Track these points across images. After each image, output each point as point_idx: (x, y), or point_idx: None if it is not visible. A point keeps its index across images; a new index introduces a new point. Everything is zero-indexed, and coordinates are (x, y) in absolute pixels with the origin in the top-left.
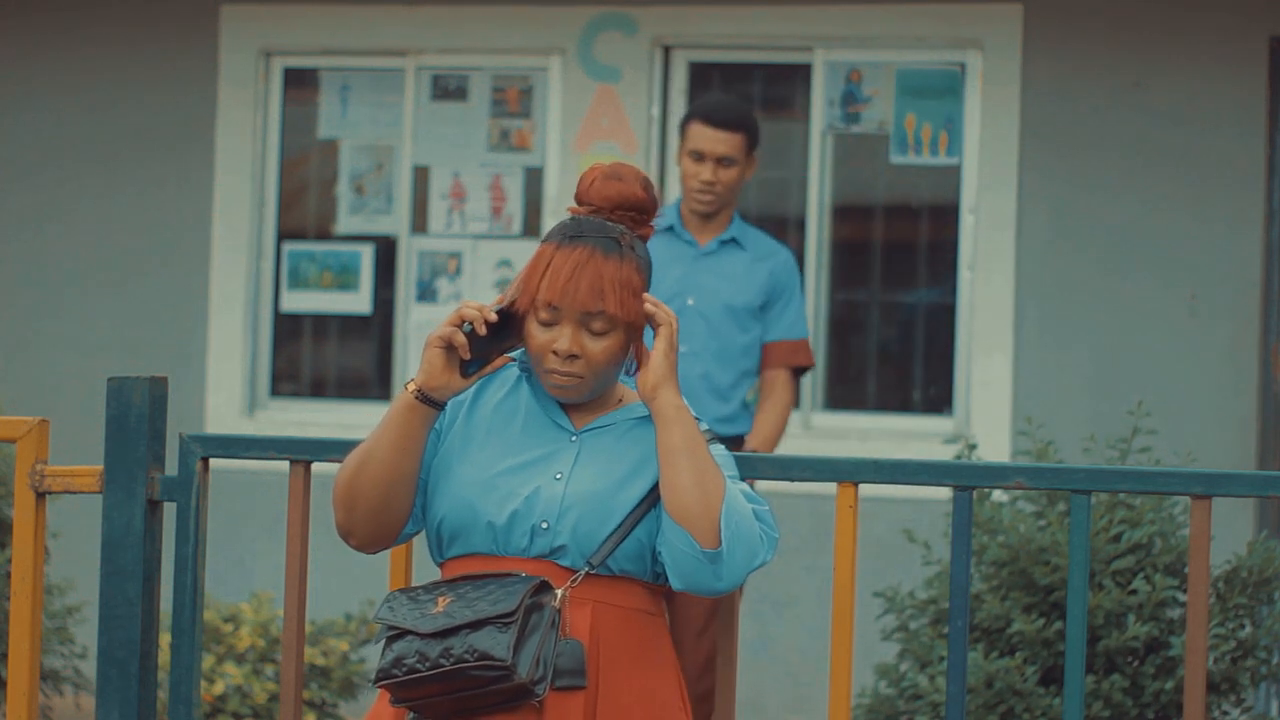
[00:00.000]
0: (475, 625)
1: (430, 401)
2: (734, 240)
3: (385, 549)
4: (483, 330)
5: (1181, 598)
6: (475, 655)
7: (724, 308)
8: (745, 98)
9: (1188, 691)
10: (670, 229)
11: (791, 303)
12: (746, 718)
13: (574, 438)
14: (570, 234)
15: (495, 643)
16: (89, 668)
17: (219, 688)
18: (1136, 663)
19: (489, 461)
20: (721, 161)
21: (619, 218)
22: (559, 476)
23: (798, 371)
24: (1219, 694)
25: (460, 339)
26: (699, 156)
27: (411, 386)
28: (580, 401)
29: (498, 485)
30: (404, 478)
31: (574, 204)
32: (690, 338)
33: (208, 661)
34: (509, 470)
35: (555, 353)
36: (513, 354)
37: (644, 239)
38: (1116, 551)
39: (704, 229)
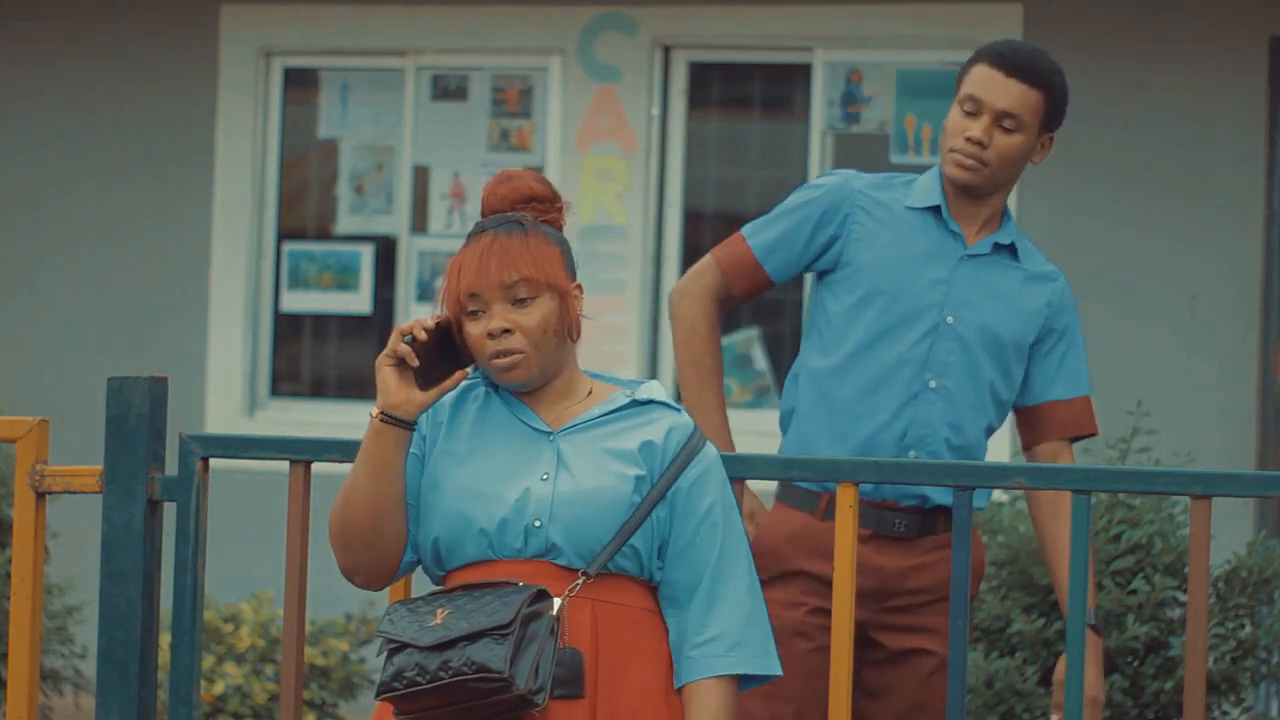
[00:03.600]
0: (472, 637)
1: (396, 421)
2: (1012, 248)
3: (390, 583)
4: (423, 336)
5: (1181, 598)
6: (473, 667)
7: (989, 336)
8: (745, 98)
9: (1188, 691)
10: (936, 210)
11: (1074, 345)
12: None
13: (551, 438)
14: (473, 233)
15: (492, 654)
16: (89, 668)
17: (219, 688)
18: (1136, 663)
19: (473, 473)
20: (1002, 120)
21: (523, 212)
22: (545, 477)
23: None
24: (1219, 694)
25: (405, 349)
26: (974, 106)
27: (375, 411)
28: (532, 384)
29: (485, 493)
30: (390, 503)
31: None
32: (944, 370)
33: (208, 661)
34: (494, 477)
35: (490, 335)
36: (470, 370)
37: (553, 225)
38: (1116, 551)
39: (973, 220)
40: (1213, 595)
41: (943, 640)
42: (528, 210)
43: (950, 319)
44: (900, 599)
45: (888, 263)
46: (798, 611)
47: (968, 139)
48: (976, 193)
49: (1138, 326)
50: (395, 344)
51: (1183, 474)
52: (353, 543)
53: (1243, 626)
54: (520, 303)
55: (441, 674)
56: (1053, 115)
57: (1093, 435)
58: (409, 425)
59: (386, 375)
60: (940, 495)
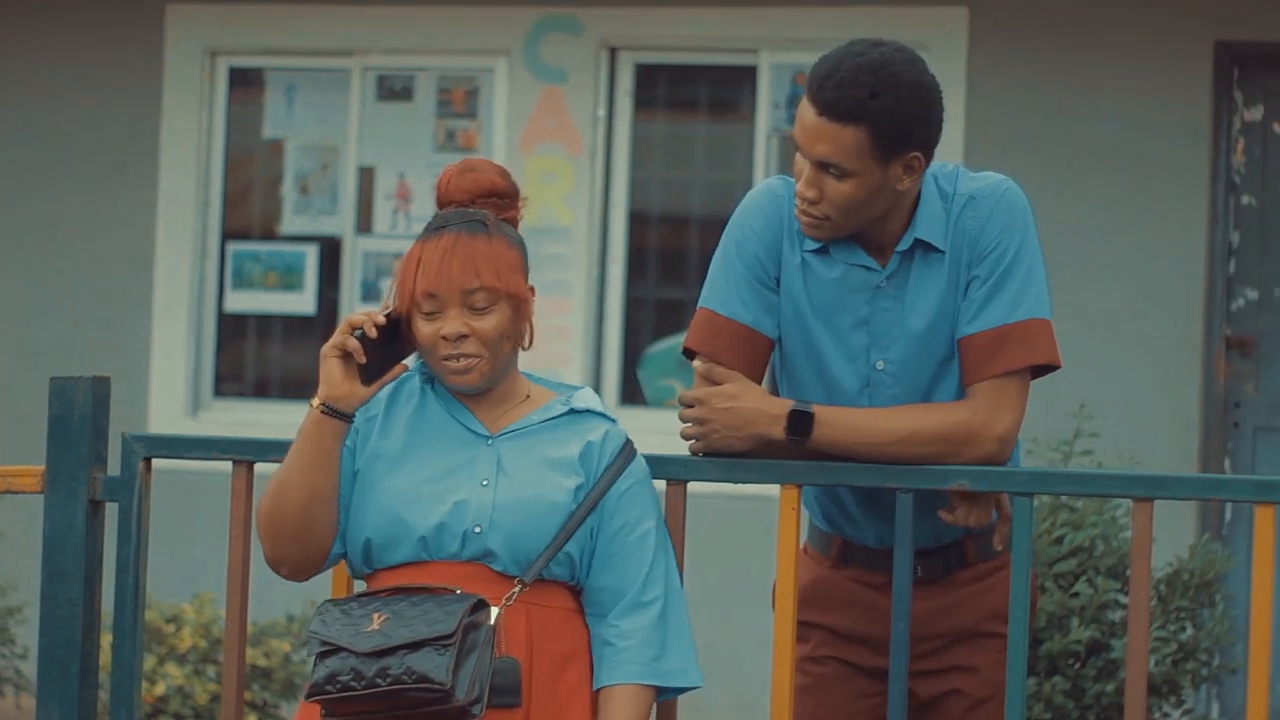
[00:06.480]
0: (413, 646)
1: (337, 414)
2: (923, 245)
3: (316, 574)
4: (373, 333)
5: (1123, 600)
6: (413, 677)
7: (917, 346)
8: (691, 100)
9: (1129, 694)
10: (822, 247)
11: (999, 267)
12: (687, 718)
13: (490, 442)
14: (434, 227)
15: (434, 665)
16: (30, 668)
17: (160, 688)
18: (1078, 665)
19: (410, 474)
20: (826, 169)
21: (482, 206)
22: (485, 483)
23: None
24: (1160, 696)
25: (354, 344)
26: (800, 150)
27: (316, 401)
28: (482, 388)
29: (423, 495)
30: (324, 495)
31: (438, 208)
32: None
33: (149, 662)
34: (432, 479)
35: (444, 338)
36: (409, 363)
37: (511, 222)
38: (1059, 554)
39: (876, 240)
40: (1154, 598)
41: (977, 678)
42: (488, 205)
43: (880, 364)
44: (929, 643)
45: (803, 318)
46: (825, 667)
47: (800, 198)
48: (831, 239)
49: (1082, 329)
50: (345, 338)
51: (1125, 476)
52: (283, 532)
53: (1184, 629)
54: (478, 309)
55: (379, 681)
56: (889, 144)
57: (1051, 365)
58: (348, 418)
59: (332, 367)
60: (951, 530)
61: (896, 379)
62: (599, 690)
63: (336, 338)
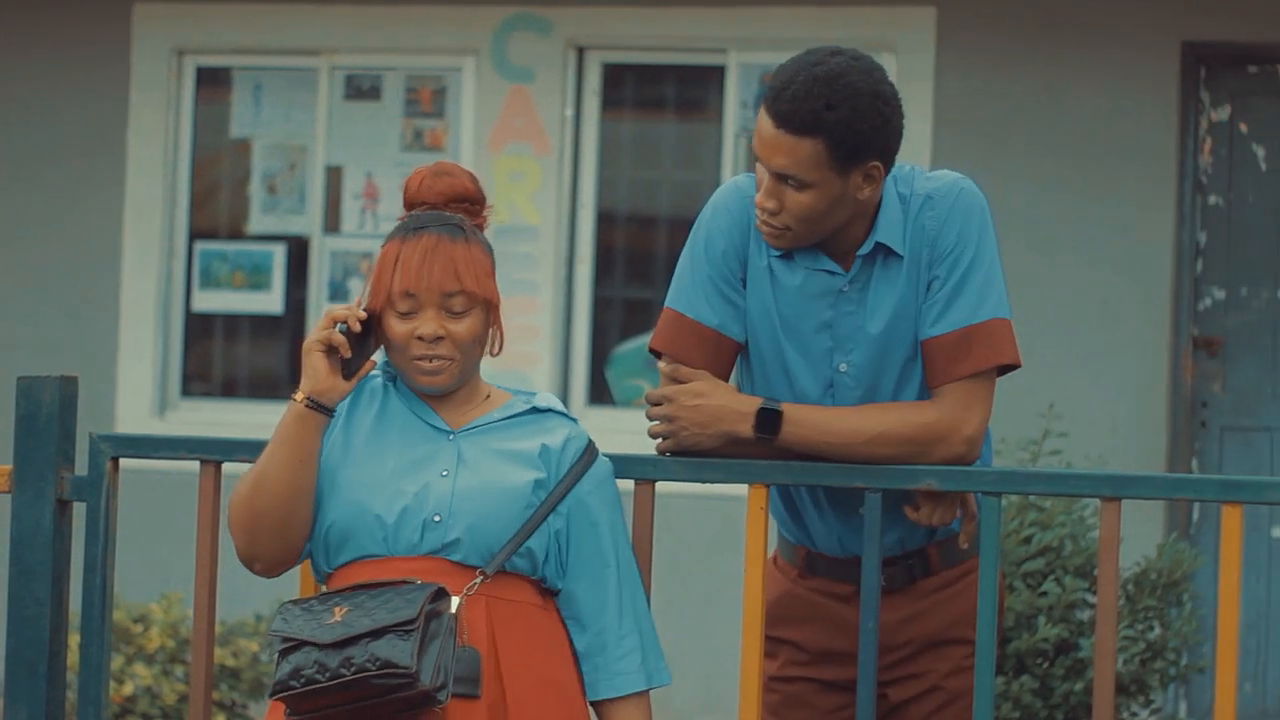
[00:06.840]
0: (376, 634)
1: (320, 408)
2: (883, 248)
3: (288, 569)
4: (357, 328)
5: (1091, 599)
6: (377, 664)
7: (879, 349)
8: (659, 99)
9: (1097, 693)
10: (785, 252)
11: (959, 268)
12: (658, 715)
13: (451, 437)
14: (412, 227)
15: (398, 651)
16: None
17: (128, 688)
18: (1046, 664)
19: (373, 467)
20: (785, 180)
21: (453, 210)
22: (445, 473)
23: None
24: (1128, 695)
25: (340, 339)
26: (759, 160)
27: (300, 396)
28: (449, 389)
29: (385, 484)
30: (304, 490)
31: (405, 209)
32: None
33: (117, 662)
34: (394, 471)
35: (420, 338)
36: (376, 358)
37: (480, 228)
38: (1027, 554)
39: (840, 244)
40: (1122, 597)
41: (945, 681)
42: (459, 209)
43: (843, 366)
44: (896, 652)
45: (768, 319)
46: (793, 685)
47: (760, 209)
48: (792, 248)
49: (1050, 330)
50: (330, 332)
51: (1093, 476)
52: (261, 529)
53: (1152, 628)
54: (455, 313)
55: (343, 671)
56: (847, 155)
57: (1011, 365)
58: (331, 412)
59: (317, 361)
60: (915, 538)
61: (859, 381)
62: (602, 702)
63: (320, 333)
